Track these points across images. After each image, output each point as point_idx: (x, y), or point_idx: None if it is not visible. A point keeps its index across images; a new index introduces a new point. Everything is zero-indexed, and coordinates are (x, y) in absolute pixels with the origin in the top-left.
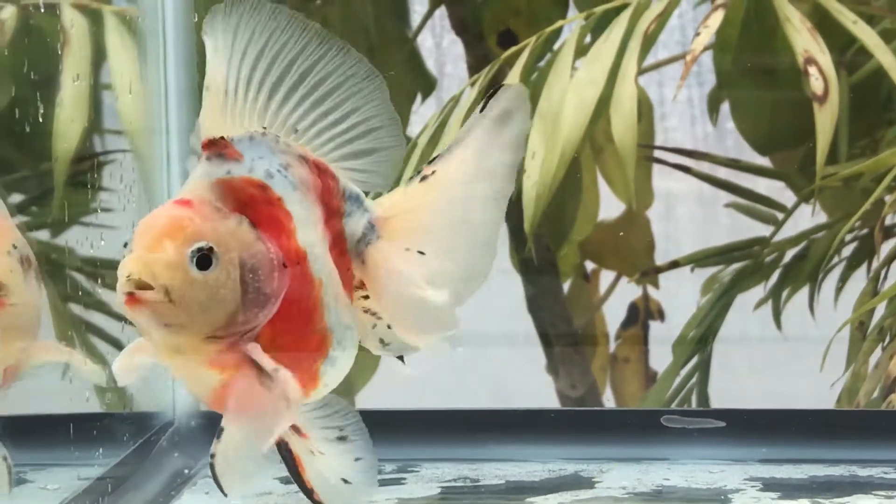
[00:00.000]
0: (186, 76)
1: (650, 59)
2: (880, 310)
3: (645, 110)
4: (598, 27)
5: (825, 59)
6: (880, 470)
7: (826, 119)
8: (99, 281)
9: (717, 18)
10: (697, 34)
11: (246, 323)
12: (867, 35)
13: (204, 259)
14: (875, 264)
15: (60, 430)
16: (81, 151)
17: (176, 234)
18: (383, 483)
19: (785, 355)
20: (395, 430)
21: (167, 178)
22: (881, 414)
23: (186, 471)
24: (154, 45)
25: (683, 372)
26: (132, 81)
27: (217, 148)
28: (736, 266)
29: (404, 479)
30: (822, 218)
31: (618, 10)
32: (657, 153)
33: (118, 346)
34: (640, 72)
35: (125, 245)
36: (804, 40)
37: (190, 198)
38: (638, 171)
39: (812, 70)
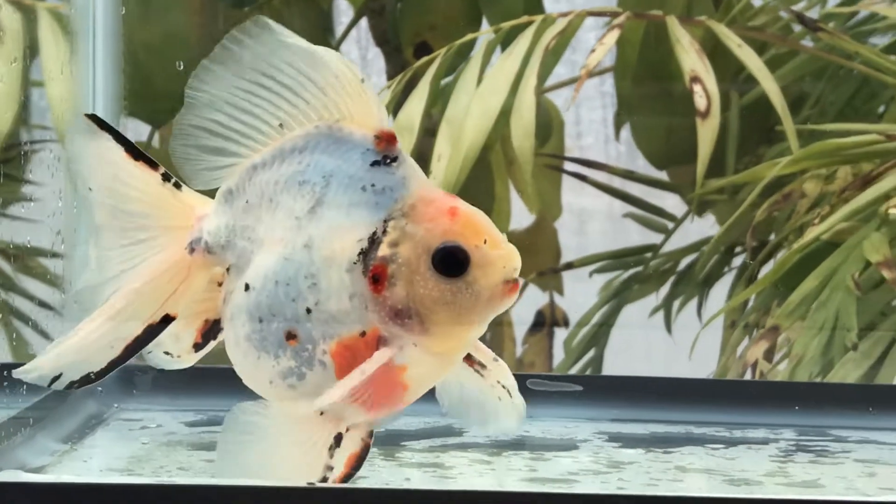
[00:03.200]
0: (114, 70)
1: (565, 78)
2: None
3: (556, 126)
4: (506, 42)
5: (710, 78)
6: (713, 429)
7: (707, 133)
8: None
9: (613, 37)
10: (593, 51)
11: None
12: (751, 60)
13: None
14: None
15: None
16: (10, 141)
17: None
18: None
19: (668, 350)
20: None
21: None
22: (721, 383)
23: (101, 414)
24: (84, 40)
25: (577, 367)
26: (62, 75)
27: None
28: (631, 272)
29: None
30: (716, 230)
31: (525, 27)
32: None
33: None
34: (549, 89)
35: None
36: (691, 60)
37: None
38: (546, 184)
39: (697, 88)
